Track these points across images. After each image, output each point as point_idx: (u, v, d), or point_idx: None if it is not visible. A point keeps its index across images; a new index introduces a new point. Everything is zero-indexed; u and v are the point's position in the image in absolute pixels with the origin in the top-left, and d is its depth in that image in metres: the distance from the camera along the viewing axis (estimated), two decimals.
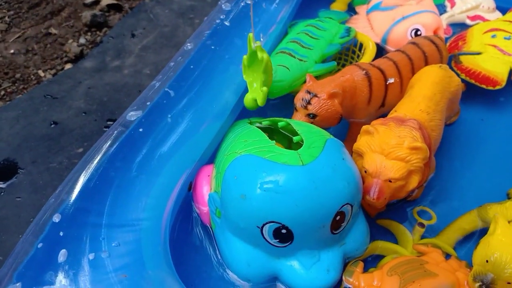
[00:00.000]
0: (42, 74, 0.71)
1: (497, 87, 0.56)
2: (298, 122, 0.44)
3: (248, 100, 0.47)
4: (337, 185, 0.36)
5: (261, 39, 0.54)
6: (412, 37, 0.60)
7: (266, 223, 0.34)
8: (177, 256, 0.39)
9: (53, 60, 0.74)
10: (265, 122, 0.48)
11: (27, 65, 0.73)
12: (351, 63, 0.63)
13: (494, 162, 0.53)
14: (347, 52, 0.64)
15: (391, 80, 0.50)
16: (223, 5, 0.58)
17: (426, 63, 0.53)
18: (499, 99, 0.60)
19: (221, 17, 0.56)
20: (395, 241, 0.44)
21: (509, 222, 0.38)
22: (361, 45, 0.62)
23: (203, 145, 0.45)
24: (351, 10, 0.73)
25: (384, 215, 0.47)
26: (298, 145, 0.39)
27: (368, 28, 0.65)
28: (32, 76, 0.71)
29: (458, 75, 0.58)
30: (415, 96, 0.46)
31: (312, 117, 0.46)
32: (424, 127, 0.42)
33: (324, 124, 0.47)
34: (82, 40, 0.78)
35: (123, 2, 0.87)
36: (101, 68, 0.70)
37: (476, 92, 0.58)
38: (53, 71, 0.72)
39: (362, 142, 0.41)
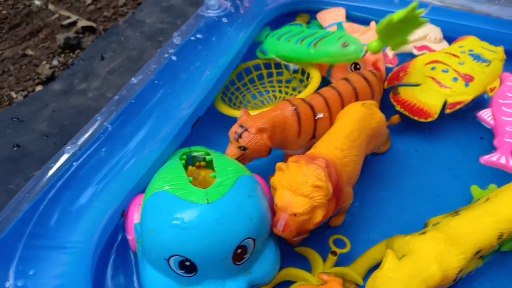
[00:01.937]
0: (14, 96, 0.76)
1: (429, 119, 0.59)
2: (219, 157, 0.48)
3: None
4: (239, 221, 0.39)
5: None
6: (352, 70, 0.64)
7: (172, 256, 0.38)
8: (101, 281, 0.43)
9: (26, 82, 0.79)
10: (201, 153, 0.52)
11: (2, 86, 0.78)
12: (294, 88, 0.68)
13: (423, 192, 0.56)
14: (295, 80, 0.68)
15: (319, 115, 0.54)
16: (174, 39, 0.62)
17: (357, 98, 0.56)
18: (434, 130, 0.63)
19: (170, 51, 0.60)
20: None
21: (403, 256, 0.42)
22: (308, 74, 0.66)
23: (138, 175, 0.49)
24: None
25: (304, 242, 0.51)
26: None
27: None
28: (5, 97, 0.76)
29: (394, 106, 0.62)
30: (333, 133, 0.50)
31: (243, 149, 0.50)
32: (334, 164, 0.46)
33: (255, 155, 0.52)
34: (55, 62, 0.82)
35: (98, 24, 0.92)
36: (68, 91, 0.75)
37: (412, 123, 0.61)
38: (24, 93, 0.76)
39: (275, 178, 0.44)
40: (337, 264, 0.48)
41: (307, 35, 0.65)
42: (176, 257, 0.38)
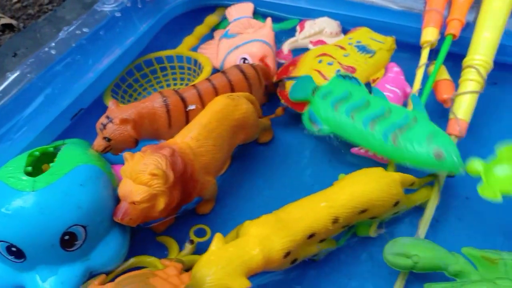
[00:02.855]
0: None
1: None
2: (72, 149, 0.48)
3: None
4: (65, 209, 0.41)
5: None
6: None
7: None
8: None
9: None
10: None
11: None
12: (189, 80, 0.69)
13: (299, 182, 0.58)
14: (190, 71, 0.69)
15: (191, 107, 0.55)
16: (60, 33, 0.63)
17: (232, 90, 0.58)
18: None
19: (52, 45, 0.61)
20: None
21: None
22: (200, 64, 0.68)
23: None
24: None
25: (170, 230, 0.52)
26: None
27: (215, 54, 0.70)
28: None
29: (279, 100, 0.63)
30: (192, 124, 0.51)
31: (108, 140, 0.51)
32: (185, 153, 0.47)
33: (121, 146, 0.52)
34: None
35: (20, 21, 0.92)
36: None
37: (298, 116, 0.62)
38: None
39: (122, 168, 0.45)
40: (196, 252, 0.49)
41: (362, 103, 0.52)
42: (2, 242, 0.39)
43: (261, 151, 0.61)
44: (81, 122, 0.61)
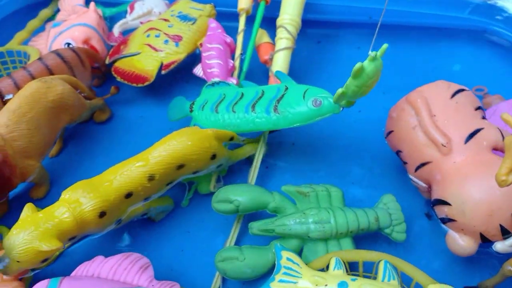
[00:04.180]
0: None
1: (146, 83, 0.62)
2: None
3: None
4: None
5: None
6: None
7: None
8: None
9: None
10: None
11: None
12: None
13: None
14: (21, 65, 0.68)
15: (8, 96, 0.55)
16: None
17: (52, 75, 0.58)
18: (160, 93, 0.67)
19: None
20: None
21: None
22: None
23: None
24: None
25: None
26: None
27: (45, 45, 0.69)
28: None
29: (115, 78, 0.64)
30: (1, 111, 0.51)
31: None
32: None
33: None
34: None
35: None
36: None
37: (139, 90, 0.65)
38: None
39: None
40: None
41: (238, 97, 0.54)
42: None
43: (99, 130, 0.62)
44: None
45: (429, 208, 0.51)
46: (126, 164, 0.47)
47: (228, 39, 0.63)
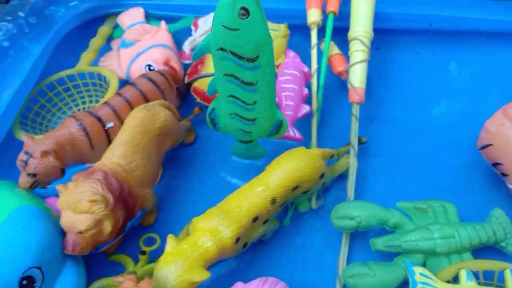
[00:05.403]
0: None
1: None
2: (1, 191, 0.47)
3: None
4: (15, 255, 0.40)
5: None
6: (146, 71, 0.66)
7: None
8: None
9: None
10: None
11: None
12: (97, 96, 0.68)
13: (227, 172, 0.61)
14: (95, 87, 0.68)
15: (109, 125, 0.55)
16: None
17: (146, 100, 0.59)
18: None
19: None
20: None
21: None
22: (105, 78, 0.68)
23: None
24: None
25: (120, 248, 0.53)
26: None
27: (117, 65, 0.69)
28: None
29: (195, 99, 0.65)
30: (114, 143, 0.51)
31: (33, 176, 0.50)
32: (117, 172, 0.48)
33: (48, 179, 0.52)
34: None
35: None
36: None
37: None
38: None
39: (58, 201, 0.45)
40: (151, 261, 0.51)
41: None
42: None
43: (188, 153, 0.63)
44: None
45: None
46: (249, 189, 0.49)
47: (306, 68, 0.65)
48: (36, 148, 0.50)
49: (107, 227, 0.45)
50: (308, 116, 0.62)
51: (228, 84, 0.47)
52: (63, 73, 0.68)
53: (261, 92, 0.47)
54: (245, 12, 0.40)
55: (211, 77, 0.49)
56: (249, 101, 0.48)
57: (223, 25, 0.41)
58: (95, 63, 0.72)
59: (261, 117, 0.50)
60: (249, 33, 0.42)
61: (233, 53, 0.43)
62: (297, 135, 0.59)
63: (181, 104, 0.67)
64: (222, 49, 0.43)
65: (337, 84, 0.70)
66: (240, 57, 0.44)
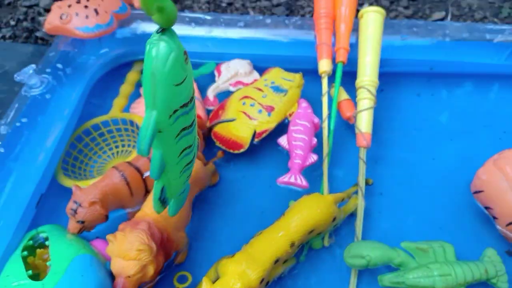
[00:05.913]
0: None
1: (241, 150, 0.71)
2: (57, 238, 0.54)
3: None
4: None
5: None
6: None
7: None
8: None
9: None
10: (43, 234, 0.58)
11: None
12: (129, 140, 0.76)
13: (250, 212, 0.68)
14: (128, 132, 0.75)
15: (146, 174, 0.63)
16: (1, 128, 0.66)
17: None
18: (254, 157, 0.75)
19: None
20: None
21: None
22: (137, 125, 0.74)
23: None
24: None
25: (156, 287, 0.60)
26: None
27: None
28: None
29: (214, 143, 0.73)
30: None
31: (81, 222, 0.57)
32: (157, 221, 0.55)
33: (94, 224, 0.59)
34: None
35: None
36: None
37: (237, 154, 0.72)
38: None
39: (108, 249, 0.53)
40: None
41: None
42: None
43: (213, 194, 0.70)
44: (42, 206, 0.65)
45: (510, 246, 0.61)
46: (271, 234, 0.56)
47: (316, 119, 0.72)
48: (84, 198, 0.58)
49: (150, 271, 0.52)
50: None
51: (182, 139, 0.45)
52: (98, 120, 0.76)
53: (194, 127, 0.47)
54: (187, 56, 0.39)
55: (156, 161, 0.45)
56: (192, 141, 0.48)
57: (175, 85, 0.39)
58: (126, 109, 0.80)
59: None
60: (189, 73, 0.41)
61: (184, 105, 0.42)
62: (304, 183, 0.65)
63: (204, 148, 0.74)
64: (175, 110, 0.41)
65: (345, 128, 0.77)
66: (185, 105, 0.42)
